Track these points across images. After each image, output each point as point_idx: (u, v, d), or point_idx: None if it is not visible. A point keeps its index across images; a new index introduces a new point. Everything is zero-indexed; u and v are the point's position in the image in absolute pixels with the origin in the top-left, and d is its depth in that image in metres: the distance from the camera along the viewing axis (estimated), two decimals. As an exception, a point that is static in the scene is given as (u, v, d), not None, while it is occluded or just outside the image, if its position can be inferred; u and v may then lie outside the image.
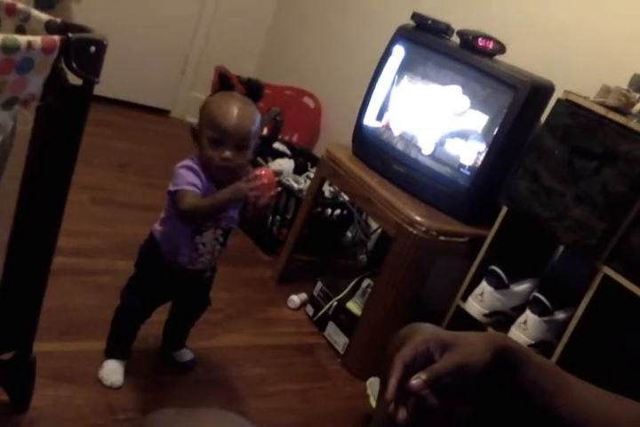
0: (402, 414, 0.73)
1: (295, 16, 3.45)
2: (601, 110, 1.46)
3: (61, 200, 1.13)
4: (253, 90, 1.39)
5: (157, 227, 1.46)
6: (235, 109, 1.32)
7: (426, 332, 0.82)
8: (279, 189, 1.30)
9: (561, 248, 1.81)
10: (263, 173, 1.33)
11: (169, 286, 1.50)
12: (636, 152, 1.36)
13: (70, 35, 0.92)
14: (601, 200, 1.42)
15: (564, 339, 1.48)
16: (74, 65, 0.94)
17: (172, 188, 1.34)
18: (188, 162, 1.37)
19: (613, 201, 1.40)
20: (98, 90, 1.04)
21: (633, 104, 1.47)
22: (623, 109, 1.45)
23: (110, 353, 1.56)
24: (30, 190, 1.09)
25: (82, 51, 0.94)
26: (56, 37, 0.91)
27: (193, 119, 3.59)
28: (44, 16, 1.01)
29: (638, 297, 1.35)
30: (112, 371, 1.53)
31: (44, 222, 1.15)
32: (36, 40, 0.87)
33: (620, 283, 1.39)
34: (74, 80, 0.98)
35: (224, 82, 1.39)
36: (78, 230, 2.10)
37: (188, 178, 1.33)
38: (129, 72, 3.25)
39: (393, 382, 0.73)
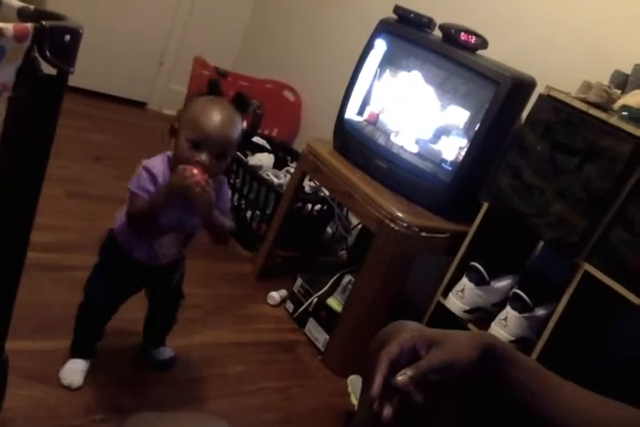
0: (387, 411, 0.72)
1: (275, 7, 3.41)
2: (582, 106, 1.46)
3: (35, 194, 1.09)
4: (241, 103, 1.37)
5: (118, 216, 1.42)
6: (221, 116, 1.30)
7: (411, 329, 0.81)
8: (203, 182, 1.26)
9: (541, 244, 1.82)
10: (189, 167, 1.28)
11: (129, 279, 1.48)
12: (618, 148, 1.37)
13: (44, 22, 0.89)
14: (582, 196, 1.42)
15: (544, 335, 1.49)
16: (47, 54, 0.90)
17: (129, 186, 1.33)
18: (154, 162, 1.34)
19: (595, 197, 1.40)
20: (73, 81, 1.00)
21: (614, 100, 1.47)
22: (604, 106, 1.45)
23: (74, 352, 1.52)
24: (2, 183, 1.05)
25: (56, 39, 0.90)
26: (29, 25, 0.87)
27: (170, 112, 3.56)
28: (17, 3, 0.97)
29: (618, 294, 1.36)
30: (72, 370, 1.50)
31: (18, 217, 1.11)
32: (8, 27, 0.84)
33: (601, 279, 1.40)
34: (47, 70, 0.95)
35: (213, 88, 1.37)
36: (53, 225, 2.06)
37: (143, 182, 1.31)
38: (105, 63, 3.19)
39: (378, 378, 0.72)
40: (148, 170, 1.32)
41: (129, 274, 1.46)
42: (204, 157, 1.28)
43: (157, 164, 1.34)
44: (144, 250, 1.41)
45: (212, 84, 1.37)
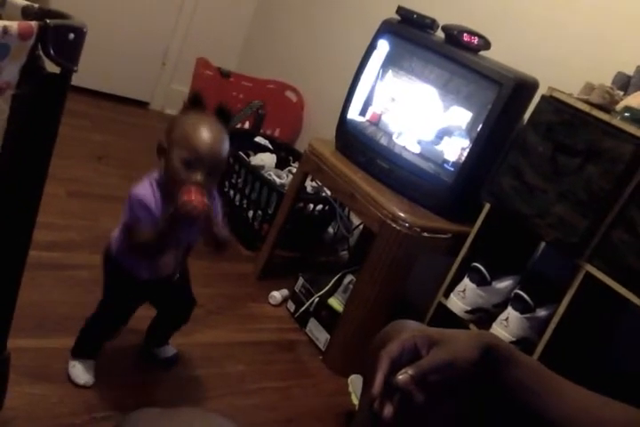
0: (387, 410, 0.72)
1: (278, 8, 3.42)
2: (585, 107, 1.46)
3: (37, 193, 1.10)
4: (224, 116, 1.37)
5: (116, 236, 1.42)
6: (210, 134, 1.30)
7: (412, 328, 0.81)
8: (206, 205, 1.26)
9: (542, 245, 1.82)
10: (188, 197, 1.26)
11: (138, 295, 1.49)
12: (620, 149, 1.36)
13: (48, 21, 0.89)
14: (584, 197, 1.42)
15: (546, 336, 1.48)
16: (51, 52, 0.90)
17: (123, 218, 1.33)
18: (142, 189, 1.32)
19: (596, 198, 1.40)
20: (76, 80, 1.01)
21: (617, 102, 1.47)
22: (607, 107, 1.45)
23: (81, 353, 1.53)
24: (5, 182, 1.05)
25: (60, 38, 0.91)
26: (33, 23, 0.87)
27: (172, 112, 3.56)
28: (21, 1, 0.97)
29: (620, 294, 1.36)
30: (84, 370, 1.50)
31: (20, 215, 1.11)
32: (12, 25, 0.84)
33: (602, 280, 1.39)
34: (51, 68, 0.95)
35: (195, 101, 1.36)
36: (54, 224, 2.06)
37: (137, 213, 1.31)
38: (107, 63, 3.19)
39: (379, 376, 0.72)
40: (138, 201, 1.31)
41: (136, 292, 1.47)
42: (199, 176, 1.27)
43: (146, 191, 1.33)
44: (146, 268, 1.41)
45: (194, 97, 1.37)
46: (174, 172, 1.29)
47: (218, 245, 1.39)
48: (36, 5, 0.97)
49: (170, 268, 1.45)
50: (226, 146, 1.33)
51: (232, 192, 2.54)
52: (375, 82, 2.03)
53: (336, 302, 1.99)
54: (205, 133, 1.30)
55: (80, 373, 1.50)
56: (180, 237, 1.37)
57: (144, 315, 1.62)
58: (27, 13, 0.96)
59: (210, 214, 1.30)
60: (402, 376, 0.71)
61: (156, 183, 1.34)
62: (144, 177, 1.36)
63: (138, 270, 1.41)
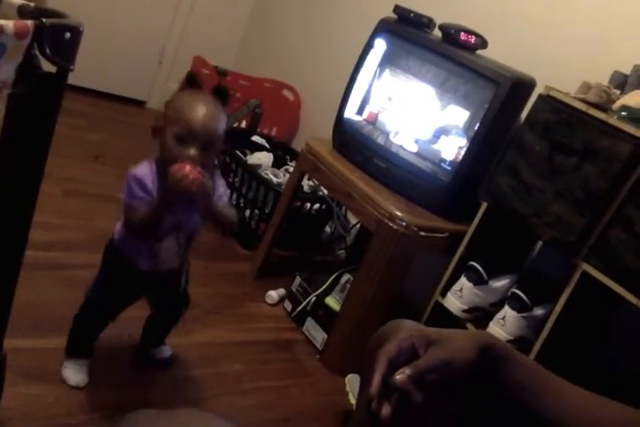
0: (385, 410, 0.72)
1: (275, 6, 3.41)
2: (582, 106, 1.46)
3: (34, 192, 1.09)
4: (222, 95, 1.36)
5: (117, 228, 1.42)
6: (204, 108, 1.30)
7: (410, 328, 0.81)
8: (200, 178, 1.25)
9: (540, 244, 1.82)
10: (180, 166, 1.26)
11: (133, 289, 1.47)
12: (617, 148, 1.37)
13: (44, 20, 0.89)
14: (581, 196, 1.42)
15: (543, 335, 1.49)
16: (48, 51, 0.90)
17: (121, 196, 1.32)
18: (141, 169, 1.33)
19: (593, 197, 1.40)
20: (72, 79, 1.00)
21: (613, 101, 1.47)
22: (604, 106, 1.45)
23: (72, 352, 1.52)
24: (1, 182, 1.05)
25: (56, 37, 0.90)
26: (29, 22, 0.87)
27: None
28: (17, 0, 0.97)
29: (616, 293, 1.36)
30: (75, 370, 1.50)
31: (16, 215, 1.11)
32: (8, 24, 0.84)
33: (599, 279, 1.40)
34: (47, 67, 0.95)
35: (191, 80, 1.37)
36: (51, 223, 2.06)
37: (133, 191, 1.31)
38: (104, 61, 3.19)
39: (377, 376, 0.72)
40: (135, 178, 1.31)
41: (133, 284, 1.45)
42: (192, 151, 1.26)
43: (144, 170, 1.32)
44: (147, 257, 1.40)
45: (189, 77, 1.37)
46: (168, 148, 1.28)
47: (221, 222, 1.37)
48: (33, 4, 0.97)
49: (171, 261, 1.43)
50: (221, 122, 1.32)
51: (229, 191, 2.54)
52: (372, 81, 2.03)
53: (333, 302, 1.98)
54: (199, 108, 1.29)
55: (71, 374, 1.49)
56: (179, 221, 1.36)
57: (141, 315, 1.62)
58: (23, 12, 0.96)
59: (207, 191, 1.27)
60: (399, 376, 0.71)
61: (155, 163, 1.34)
62: (145, 160, 1.35)
63: (138, 261, 1.40)
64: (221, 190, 1.39)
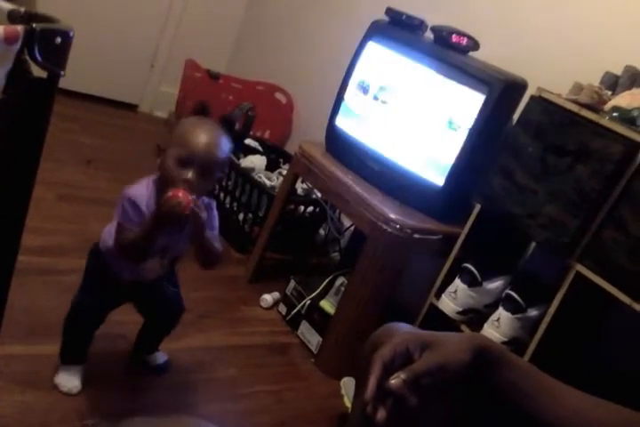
0: (381, 414, 0.72)
1: (267, 9, 3.41)
2: (574, 108, 1.46)
3: (26, 197, 1.09)
4: (228, 125, 1.38)
5: (105, 234, 1.41)
6: (207, 134, 1.30)
7: (404, 332, 0.81)
8: (195, 205, 1.26)
9: (533, 245, 1.82)
10: (174, 192, 1.26)
11: (116, 293, 1.47)
12: (609, 149, 1.37)
13: (34, 24, 0.88)
14: (574, 197, 1.43)
15: (537, 336, 1.49)
16: (38, 56, 0.90)
17: (115, 218, 1.32)
18: (137, 189, 1.32)
19: (586, 198, 1.41)
20: (64, 83, 1.00)
21: (605, 102, 1.48)
22: (595, 107, 1.46)
23: (66, 358, 1.51)
24: (-8, 187, 1.04)
25: (47, 42, 0.90)
26: (19, 27, 0.86)
27: (162, 114, 3.55)
28: (7, 5, 0.96)
29: (610, 294, 1.36)
30: (68, 376, 1.49)
31: (8, 220, 1.10)
32: (-2, 29, 0.83)
33: (593, 280, 1.40)
34: (38, 72, 0.94)
35: (200, 110, 1.38)
36: (44, 228, 2.05)
37: (127, 214, 1.31)
38: (96, 65, 3.18)
39: (372, 381, 0.72)
40: (130, 201, 1.31)
41: (116, 290, 1.46)
42: (190, 174, 1.26)
43: (140, 191, 1.32)
44: (128, 271, 1.41)
45: (199, 105, 1.38)
46: (167, 169, 1.29)
47: (206, 255, 1.37)
48: (23, 9, 0.96)
49: (153, 273, 1.44)
50: (223, 149, 1.32)
51: (222, 195, 2.53)
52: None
53: (328, 305, 1.98)
54: (202, 133, 1.30)
55: (63, 380, 1.48)
56: (166, 244, 1.36)
57: (134, 320, 1.61)
58: (13, 17, 0.95)
59: (199, 220, 1.28)
60: (394, 380, 0.71)
61: (153, 184, 1.34)
62: (143, 178, 1.35)
63: (120, 270, 1.40)
64: (215, 223, 1.39)
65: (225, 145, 1.33)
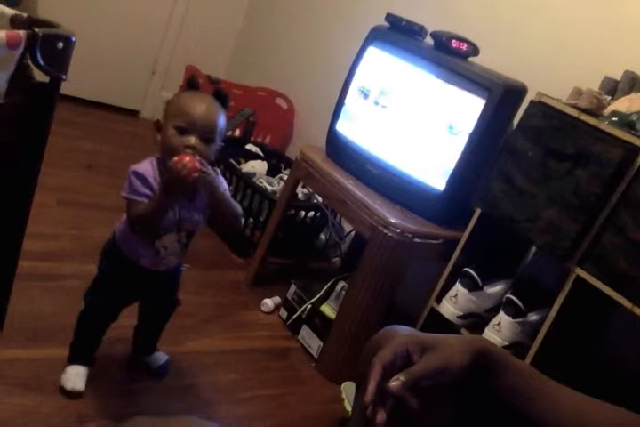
0: (380, 416, 0.72)
1: (267, 16, 3.43)
2: (573, 112, 1.47)
3: (27, 202, 1.09)
4: (221, 97, 1.40)
5: (119, 226, 1.43)
6: (203, 102, 1.35)
7: (404, 334, 0.81)
8: (203, 167, 1.28)
9: (533, 250, 1.82)
10: (180, 157, 1.28)
11: (133, 287, 1.48)
12: (608, 154, 1.37)
13: (37, 29, 0.89)
14: (574, 201, 1.43)
15: (538, 340, 1.49)
16: (40, 61, 0.91)
17: (123, 193, 1.34)
18: (142, 166, 1.34)
19: (586, 202, 1.41)
20: (66, 89, 1.01)
21: (604, 106, 1.48)
22: (595, 111, 1.47)
23: (74, 358, 1.51)
24: (-6, 192, 1.05)
25: (49, 47, 0.91)
26: (22, 32, 0.87)
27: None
28: (9, 10, 0.97)
29: (610, 298, 1.36)
30: (74, 375, 1.49)
31: (10, 225, 1.11)
32: (1, 34, 0.84)
33: (593, 284, 1.40)
34: (40, 77, 0.95)
35: (192, 83, 1.42)
36: (45, 233, 2.05)
37: (136, 187, 1.32)
38: (97, 71, 3.19)
39: (372, 383, 0.72)
40: (137, 174, 1.33)
41: (133, 282, 1.46)
42: (192, 139, 1.30)
43: (145, 167, 1.34)
44: (147, 254, 1.40)
45: (190, 81, 1.42)
46: (168, 140, 1.31)
47: (225, 216, 1.38)
48: (25, 14, 0.97)
49: (171, 258, 1.44)
50: (219, 115, 1.35)
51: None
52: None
53: (328, 309, 1.98)
54: (198, 102, 1.34)
55: (70, 376, 1.48)
56: (180, 217, 1.37)
57: (131, 324, 1.61)
58: (15, 22, 0.96)
59: (209, 179, 1.30)
60: (394, 383, 0.71)
61: (156, 161, 1.36)
62: (146, 158, 1.37)
63: (139, 258, 1.41)
64: (225, 185, 1.41)
65: (220, 111, 1.36)
